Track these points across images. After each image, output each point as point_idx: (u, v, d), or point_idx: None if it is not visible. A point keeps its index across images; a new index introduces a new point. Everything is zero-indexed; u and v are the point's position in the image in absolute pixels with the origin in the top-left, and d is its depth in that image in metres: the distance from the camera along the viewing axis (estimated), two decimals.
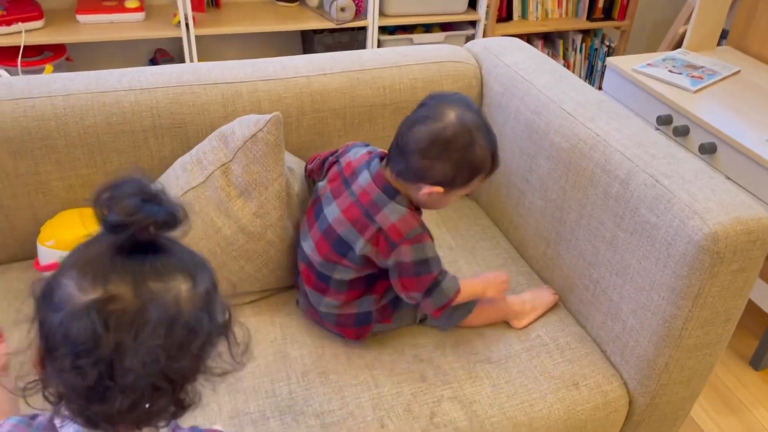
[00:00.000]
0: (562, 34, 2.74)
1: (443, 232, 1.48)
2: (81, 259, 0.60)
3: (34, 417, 0.67)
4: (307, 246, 1.17)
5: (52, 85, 1.24)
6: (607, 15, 2.69)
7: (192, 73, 1.32)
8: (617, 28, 2.72)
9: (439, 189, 1.04)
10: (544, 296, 1.28)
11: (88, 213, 1.23)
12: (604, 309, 1.21)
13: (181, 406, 0.64)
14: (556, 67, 1.44)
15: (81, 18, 2.15)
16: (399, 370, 1.15)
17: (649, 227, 1.07)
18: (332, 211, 1.12)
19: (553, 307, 1.30)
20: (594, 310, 1.24)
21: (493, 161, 1.08)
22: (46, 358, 0.60)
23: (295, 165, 1.30)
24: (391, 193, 1.08)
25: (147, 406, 0.59)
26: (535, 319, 1.26)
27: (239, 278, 1.23)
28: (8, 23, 2.04)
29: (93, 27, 2.15)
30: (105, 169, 1.28)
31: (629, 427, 1.22)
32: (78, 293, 0.57)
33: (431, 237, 1.10)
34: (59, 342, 0.58)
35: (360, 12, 2.41)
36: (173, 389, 0.61)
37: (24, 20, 2.06)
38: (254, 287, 1.26)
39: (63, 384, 0.59)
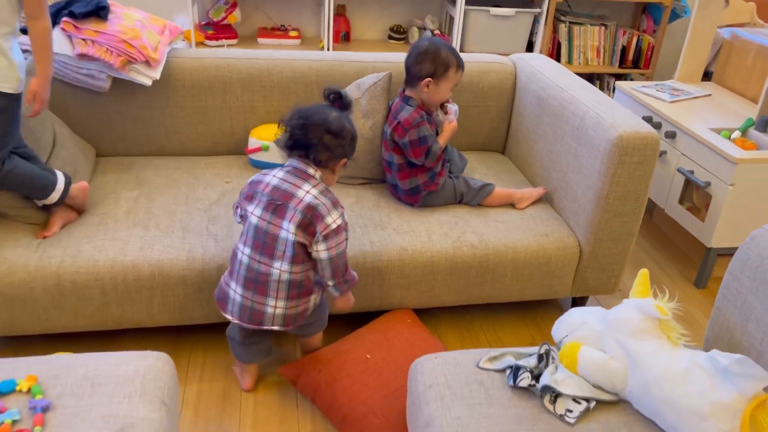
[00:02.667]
0: (599, 76, 3.58)
1: (482, 167, 2.32)
2: (313, 106, 1.57)
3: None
4: (383, 149, 2.06)
5: (268, 52, 2.24)
6: (635, 64, 3.52)
7: (341, 56, 2.29)
8: (642, 74, 3.53)
9: (429, 79, 1.90)
10: (536, 190, 2.10)
11: (273, 127, 2.18)
12: (569, 197, 2.01)
13: (320, 161, 1.56)
14: (562, 68, 2.30)
15: (260, 40, 3.23)
16: (443, 219, 1.99)
17: (592, 139, 1.89)
18: (386, 126, 2.03)
19: (542, 202, 2.11)
20: (565, 201, 2.04)
21: (457, 61, 1.92)
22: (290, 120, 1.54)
23: None
24: (407, 100, 1.97)
25: (317, 144, 1.53)
26: (530, 204, 2.07)
27: (358, 167, 2.13)
28: (216, 39, 3.14)
29: (267, 46, 3.22)
30: (286, 103, 2.24)
31: (580, 269, 1.99)
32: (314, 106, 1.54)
33: (429, 124, 1.95)
34: (299, 114, 1.53)
35: None
36: (323, 145, 1.53)
37: (226, 38, 3.16)
38: (364, 174, 2.15)
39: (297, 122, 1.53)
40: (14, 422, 1.16)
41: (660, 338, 1.31)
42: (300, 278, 1.55)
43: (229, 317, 1.61)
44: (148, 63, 2.04)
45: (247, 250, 1.57)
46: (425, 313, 2.06)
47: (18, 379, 1.25)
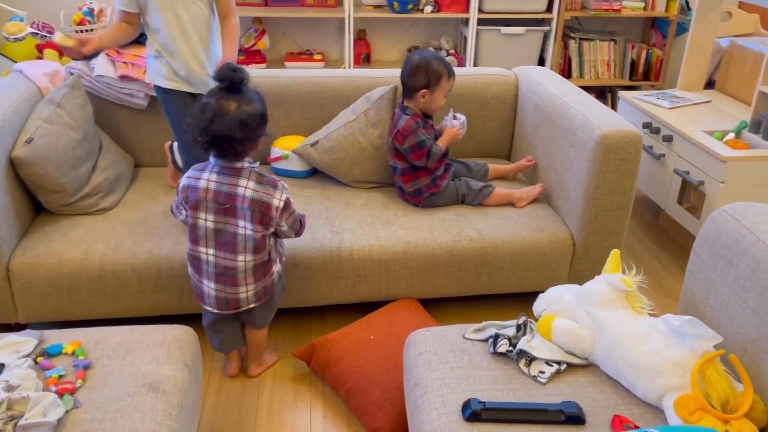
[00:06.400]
0: (611, 89, 3.72)
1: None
2: (211, 93, 1.66)
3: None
4: (388, 156, 2.25)
5: (289, 71, 2.48)
6: (646, 77, 3.65)
7: (353, 72, 2.51)
8: (652, 86, 3.65)
9: (425, 90, 2.09)
10: (534, 188, 2.26)
11: (293, 138, 2.41)
12: (564, 196, 2.16)
13: (241, 152, 1.65)
14: (559, 78, 2.47)
15: (287, 64, 3.50)
16: (445, 217, 2.16)
17: (580, 139, 2.04)
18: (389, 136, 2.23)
19: (540, 202, 2.26)
20: (560, 200, 2.19)
21: (448, 70, 2.10)
22: (194, 133, 1.64)
23: None
24: (404, 109, 2.16)
25: (230, 145, 1.61)
26: (529, 202, 2.23)
27: (368, 172, 2.32)
28: (247, 64, 3.41)
29: (294, 70, 3.48)
30: (305, 116, 2.46)
31: (575, 262, 2.13)
32: (211, 103, 1.63)
33: (424, 129, 2.12)
34: (199, 123, 1.62)
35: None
36: (237, 142, 1.61)
37: (255, 63, 3.43)
38: (374, 178, 2.35)
39: (202, 139, 1.63)
40: (60, 377, 1.38)
41: (625, 308, 1.45)
42: (263, 259, 1.71)
43: (208, 308, 1.77)
44: None
45: (212, 251, 1.69)
46: (432, 304, 2.21)
47: (64, 344, 1.47)
